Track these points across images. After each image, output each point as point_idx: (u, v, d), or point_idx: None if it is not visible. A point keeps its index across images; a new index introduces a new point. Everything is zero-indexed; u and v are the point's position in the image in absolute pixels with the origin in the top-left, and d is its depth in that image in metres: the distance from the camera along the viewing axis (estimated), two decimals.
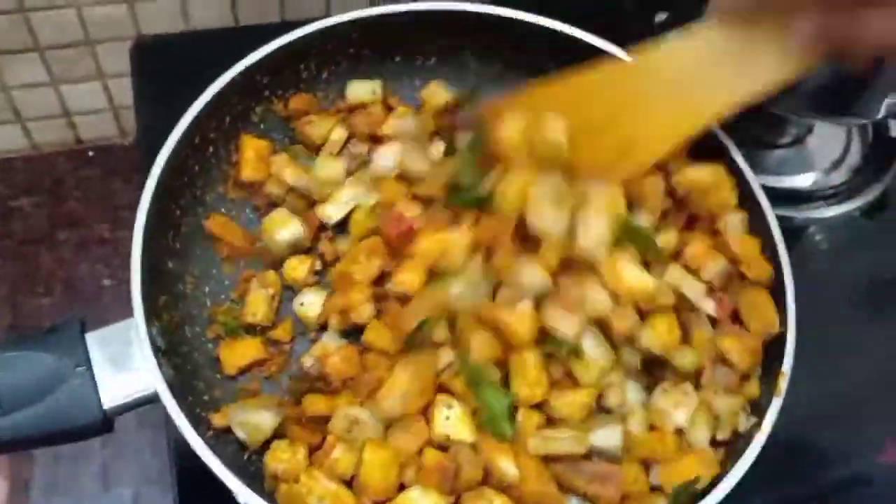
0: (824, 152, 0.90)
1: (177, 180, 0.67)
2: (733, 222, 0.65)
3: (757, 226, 0.66)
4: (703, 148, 0.66)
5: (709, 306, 0.63)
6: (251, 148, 0.71)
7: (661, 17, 0.89)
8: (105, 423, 0.56)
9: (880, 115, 0.76)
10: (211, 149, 0.70)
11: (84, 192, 1.33)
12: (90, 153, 1.36)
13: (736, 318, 0.64)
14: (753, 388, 0.63)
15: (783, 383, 0.59)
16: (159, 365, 0.56)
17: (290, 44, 0.70)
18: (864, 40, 0.52)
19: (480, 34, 0.75)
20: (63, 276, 1.27)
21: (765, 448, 0.58)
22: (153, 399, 0.57)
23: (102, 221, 1.31)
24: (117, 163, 1.35)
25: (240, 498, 0.54)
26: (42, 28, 1.17)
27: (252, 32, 0.90)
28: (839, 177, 0.89)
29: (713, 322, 0.64)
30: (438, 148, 0.71)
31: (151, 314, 0.59)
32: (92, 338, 0.57)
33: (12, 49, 1.19)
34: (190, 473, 0.68)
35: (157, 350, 0.57)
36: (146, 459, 1.17)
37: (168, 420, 0.69)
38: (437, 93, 0.75)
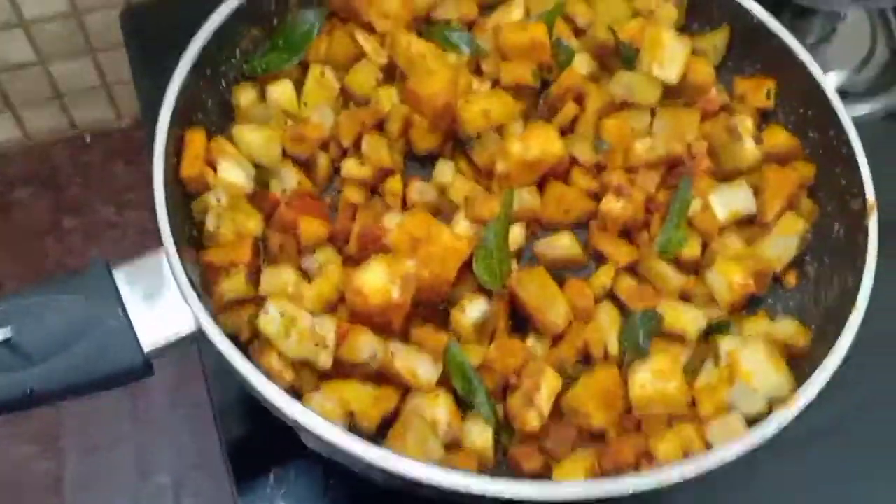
0: (850, 51, 0.89)
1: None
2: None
3: (825, 121, 0.64)
4: (767, 48, 0.66)
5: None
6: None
7: None
8: (146, 366, 0.53)
9: None
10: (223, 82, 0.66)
11: (85, 177, 1.28)
12: (87, 139, 1.32)
13: None
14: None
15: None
16: (200, 299, 0.52)
17: None
18: None
19: None
20: (73, 265, 1.22)
21: None
22: (194, 338, 0.53)
23: (108, 205, 1.26)
24: (117, 146, 1.30)
25: (298, 417, 0.49)
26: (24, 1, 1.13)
27: None
28: (868, 73, 0.88)
29: None
30: None
31: (180, 247, 0.54)
32: (120, 274, 0.53)
33: None
34: (240, 441, 0.63)
35: (191, 284, 0.53)
36: (184, 442, 1.06)
37: (210, 392, 0.64)
38: None
